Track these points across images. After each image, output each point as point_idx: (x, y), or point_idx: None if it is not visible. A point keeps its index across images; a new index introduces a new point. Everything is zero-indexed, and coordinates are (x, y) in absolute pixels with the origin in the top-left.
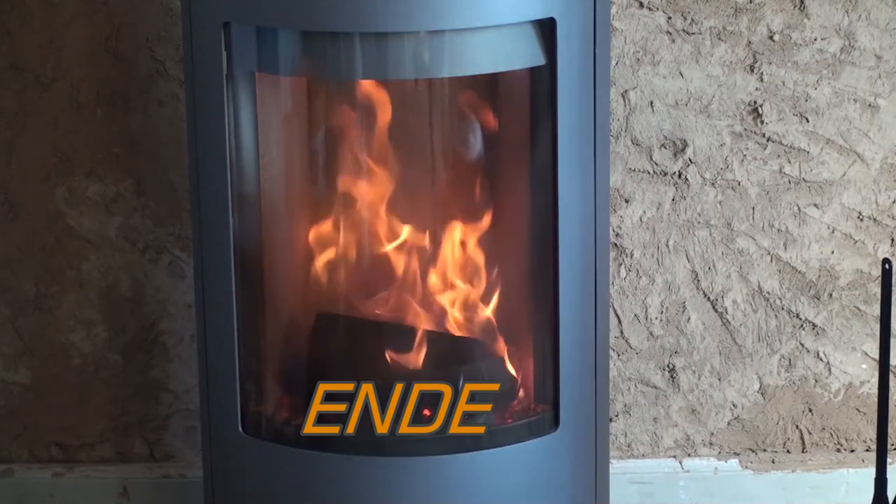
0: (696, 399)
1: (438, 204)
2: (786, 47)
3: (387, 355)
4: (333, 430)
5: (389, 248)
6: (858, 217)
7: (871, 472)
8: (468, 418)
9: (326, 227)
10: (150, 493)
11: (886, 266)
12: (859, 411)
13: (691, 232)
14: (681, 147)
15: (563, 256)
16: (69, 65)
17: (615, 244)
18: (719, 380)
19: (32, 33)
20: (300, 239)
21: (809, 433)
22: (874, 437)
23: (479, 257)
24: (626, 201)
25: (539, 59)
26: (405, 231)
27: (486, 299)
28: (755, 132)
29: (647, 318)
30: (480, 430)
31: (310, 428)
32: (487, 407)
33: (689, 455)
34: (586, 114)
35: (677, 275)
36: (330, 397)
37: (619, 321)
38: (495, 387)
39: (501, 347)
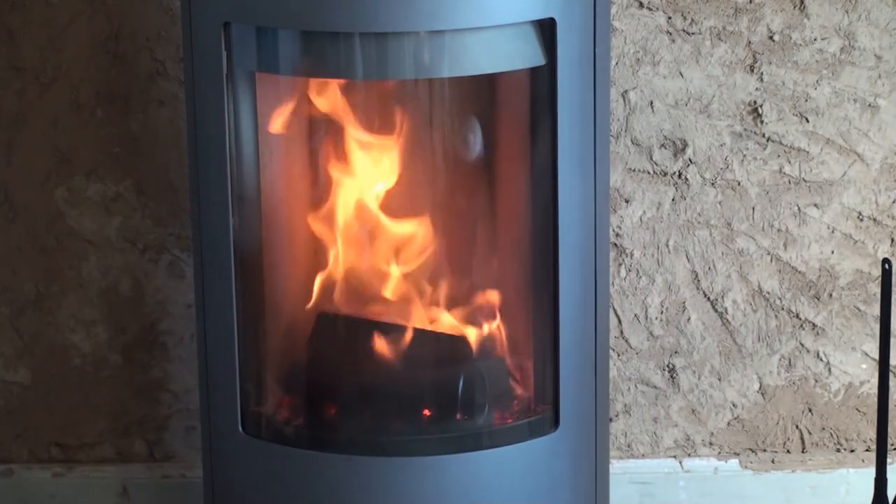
0: (696, 399)
1: (438, 204)
2: (786, 47)
3: (386, 355)
4: (333, 430)
5: (389, 247)
6: (858, 217)
7: (871, 472)
8: (467, 418)
9: (326, 227)
10: (150, 493)
11: (886, 266)
12: (859, 411)
13: (691, 232)
14: (681, 147)
15: (563, 256)
16: (69, 65)
17: (615, 244)
18: (719, 380)
19: (32, 33)
20: (300, 239)
21: (809, 433)
22: (874, 437)
23: (479, 257)
24: (626, 201)
25: (539, 59)
26: (405, 231)
27: (485, 299)
28: (755, 132)
29: (647, 318)
30: (479, 429)
31: (310, 428)
32: (486, 408)
33: (689, 455)
34: (586, 114)
35: (677, 275)
36: (329, 397)
37: (619, 321)
38: (495, 387)
39: (501, 347)
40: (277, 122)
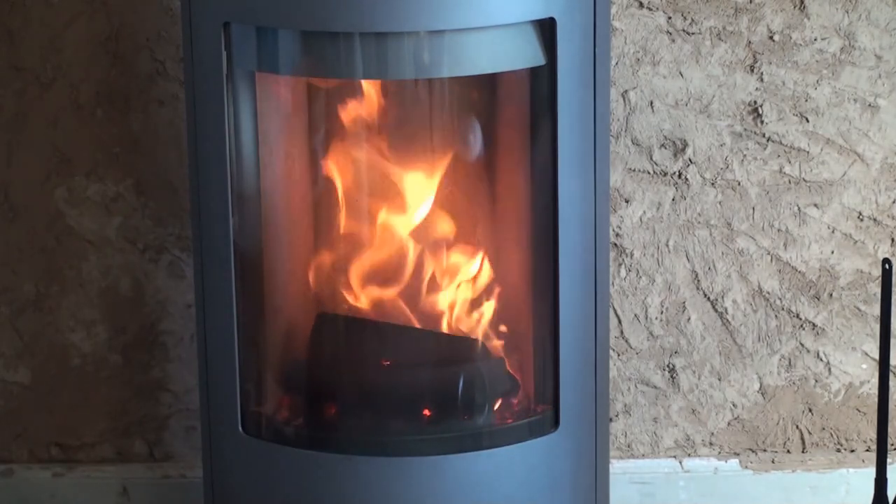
0: (696, 399)
1: (438, 203)
2: (786, 47)
3: (386, 355)
4: (333, 430)
5: (389, 248)
6: (858, 217)
7: (871, 472)
8: (467, 418)
9: (326, 227)
10: (150, 493)
11: (886, 266)
12: (859, 411)
13: (691, 232)
14: (681, 147)
15: (563, 256)
16: (69, 65)
17: (615, 244)
18: (719, 380)
19: (32, 33)
20: (300, 239)
21: (809, 433)
22: (874, 437)
23: (480, 257)
24: (626, 201)
25: (539, 59)
26: (405, 231)
27: (486, 299)
28: (755, 132)
29: (647, 318)
30: (480, 429)
31: (310, 428)
32: (486, 408)
33: (689, 455)
34: (586, 114)
35: (677, 275)
36: (329, 397)
37: (619, 321)
38: (495, 387)
39: (501, 347)
40: (277, 121)
